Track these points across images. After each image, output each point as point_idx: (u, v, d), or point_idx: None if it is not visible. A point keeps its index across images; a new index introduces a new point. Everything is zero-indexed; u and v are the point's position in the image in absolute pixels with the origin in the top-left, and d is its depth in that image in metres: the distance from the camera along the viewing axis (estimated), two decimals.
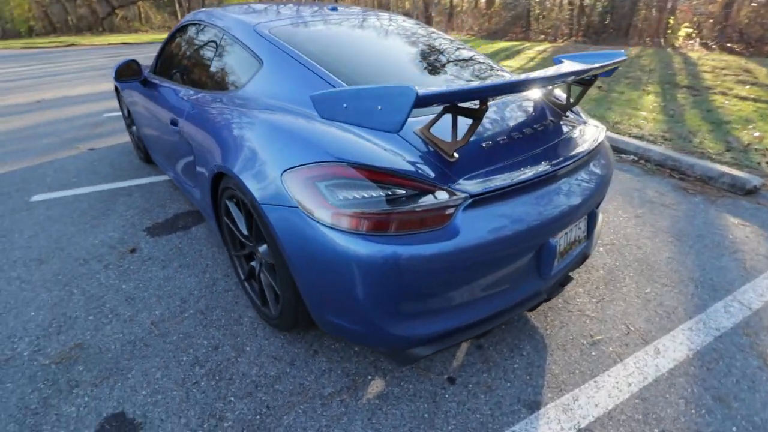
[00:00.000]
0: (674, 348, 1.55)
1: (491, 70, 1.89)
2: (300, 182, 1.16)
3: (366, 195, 1.09)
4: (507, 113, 1.51)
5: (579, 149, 1.45)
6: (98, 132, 4.27)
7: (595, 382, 1.41)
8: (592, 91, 5.91)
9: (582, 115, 1.81)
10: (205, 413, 1.30)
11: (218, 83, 1.89)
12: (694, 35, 12.06)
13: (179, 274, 1.98)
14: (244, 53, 1.74)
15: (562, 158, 1.35)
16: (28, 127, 4.53)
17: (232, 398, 1.35)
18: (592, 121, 1.78)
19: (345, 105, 1.02)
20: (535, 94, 1.69)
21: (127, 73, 2.45)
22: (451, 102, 1.07)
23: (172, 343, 1.57)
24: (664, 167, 3.20)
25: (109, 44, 15.85)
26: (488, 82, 1.16)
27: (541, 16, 15.45)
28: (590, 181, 1.45)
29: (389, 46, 1.93)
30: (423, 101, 0.92)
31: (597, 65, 1.40)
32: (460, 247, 1.09)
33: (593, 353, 1.52)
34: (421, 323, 1.17)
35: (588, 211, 1.46)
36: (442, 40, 2.15)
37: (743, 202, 2.67)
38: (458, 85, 1.08)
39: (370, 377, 1.43)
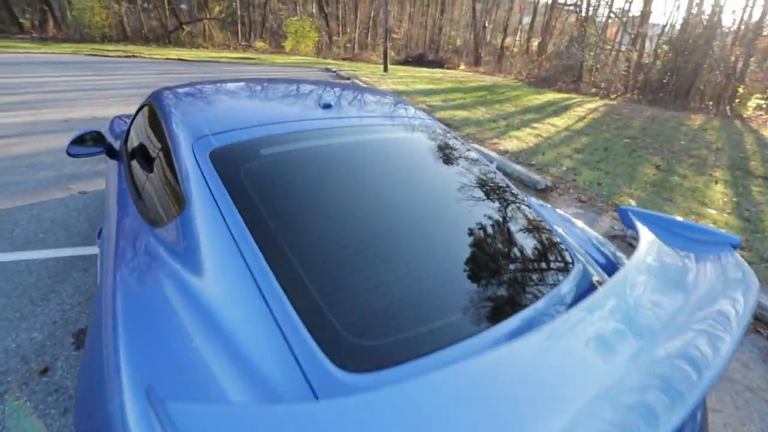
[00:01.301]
0: None
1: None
2: None
3: None
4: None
5: None
6: (100, 169, 4.04)
7: None
8: (649, 171, 5.18)
9: None
10: None
11: (144, 202, 1.40)
12: (765, 107, 11.01)
13: None
14: (176, 175, 1.19)
15: None
16: (37, 153, 4.39)
17: None
18: None
19: None
20: None
21: (86, 143, 2.09)
22: None
23: None
24: None
25: (167, 59, 16.58)
26: None
27: (594, 69, 14.82)
28: None
29: (401, 210, 1.18)
30: None
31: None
32: None
33: None
34: None
35: None
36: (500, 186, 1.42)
37: None
38: None
39: None
